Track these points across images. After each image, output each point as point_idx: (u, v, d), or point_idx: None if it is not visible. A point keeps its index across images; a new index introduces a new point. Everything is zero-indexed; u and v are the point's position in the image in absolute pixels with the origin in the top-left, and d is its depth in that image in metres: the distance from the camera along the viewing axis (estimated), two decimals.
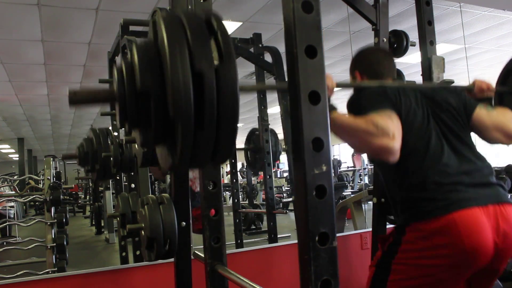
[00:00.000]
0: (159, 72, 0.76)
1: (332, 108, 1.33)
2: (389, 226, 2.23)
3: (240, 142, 4.88)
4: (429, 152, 1.37)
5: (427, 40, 2.02)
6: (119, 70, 0.81)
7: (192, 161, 0.81)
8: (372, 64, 1.58)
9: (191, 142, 0.76)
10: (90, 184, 8.31)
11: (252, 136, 4.61)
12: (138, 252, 2.62)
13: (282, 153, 4.39)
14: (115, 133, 3.16)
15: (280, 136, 4.32)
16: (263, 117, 3.94)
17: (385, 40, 2.05)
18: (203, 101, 0.75)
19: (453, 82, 2.00)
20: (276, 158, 5.18)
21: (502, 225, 1.28)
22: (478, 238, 1.24)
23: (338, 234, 0.87)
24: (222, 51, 0.76)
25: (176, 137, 0.77)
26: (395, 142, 1.24)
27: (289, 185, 8.57)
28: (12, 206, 6.72)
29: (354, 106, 1.41)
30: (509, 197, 1.38)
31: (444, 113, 1.45)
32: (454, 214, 1.26)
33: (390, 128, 1.25)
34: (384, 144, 1.23)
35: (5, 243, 5.36)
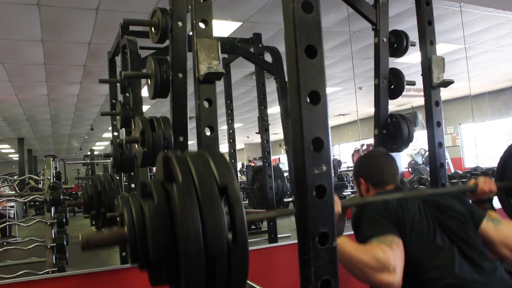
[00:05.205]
0: (172, 246, 0.78)
1: (337, 234, 1.34)
2: None
3: (240, 142, 4.88)
4: (438, 263, 1.38)
5: (427, 40, 2.01)
6: (130, 225, 0.81)
7: None
8: (376, 173, 1.66)
9: None
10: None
11: (257, 174, 4.57)
12: None
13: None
14: (115, 133, 3.17)
15: (280, 136, 4.31)
16: (263, 117, 3.93)
17: (385, 40, 2.05)
18: (213, 283, 0.76)
19: (453, 82, 2.00)
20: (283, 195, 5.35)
21: None
22: None
23: None
24: (236, 230, 0.76)
25: None
26: (395, 277, 1.30)
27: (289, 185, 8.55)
28: (12, 206, 6.70)
29: (357, 228, 1.49)
30: None
31: (450, 220, 1.47)
32: None
33: (391, 261, 1.30)
34: (384, 279, 1.29)
35: (5, 243, 5.35)
